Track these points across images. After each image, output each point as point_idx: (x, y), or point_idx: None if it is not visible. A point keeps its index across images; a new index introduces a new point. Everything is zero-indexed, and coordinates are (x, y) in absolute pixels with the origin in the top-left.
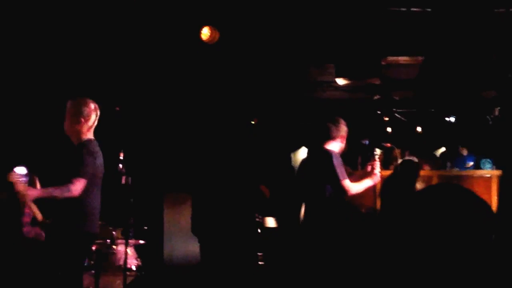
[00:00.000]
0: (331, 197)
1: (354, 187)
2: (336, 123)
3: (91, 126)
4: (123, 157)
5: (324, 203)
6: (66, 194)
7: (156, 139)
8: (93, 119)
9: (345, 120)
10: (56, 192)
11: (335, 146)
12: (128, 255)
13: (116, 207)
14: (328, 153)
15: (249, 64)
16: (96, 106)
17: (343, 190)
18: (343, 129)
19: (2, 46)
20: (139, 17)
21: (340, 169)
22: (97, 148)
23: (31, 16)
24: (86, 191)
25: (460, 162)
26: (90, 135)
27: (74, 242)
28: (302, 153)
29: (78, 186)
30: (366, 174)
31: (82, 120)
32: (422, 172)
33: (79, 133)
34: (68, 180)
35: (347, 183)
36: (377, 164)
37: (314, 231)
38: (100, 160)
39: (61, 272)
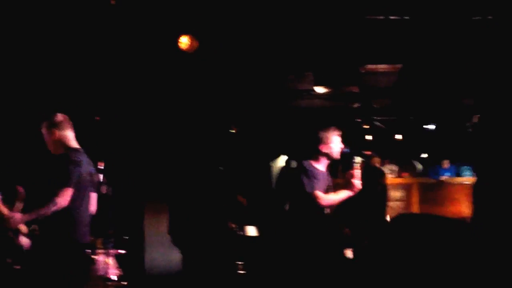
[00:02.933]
0: (301, 209)
1: (327, 198)
2: (316, 134)
3: (69, 136)
4: (104, 167)
5: (294, 215)
6: (54, 208)
7: (136, 149)
8: (68, 128)
9: (324, 128)
10: (43, 211)
11: (315, 157)
12: (108, 265)
13: (97, 216)
14: (300, 165)
15: (228, 73)
16: (66, 117)
17: (314, 201)
18: (324, 138)
19: None
20: (118, 28)
21: (309, 181)
22: (81, 157)
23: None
24: (72, 200)
25: (433, 172)
26: (73, 144)
27: (63, 251)
28: (281, 162)
29: (64, 196)
30: (347, 183)
31: (57, 131)
32: (402, 180)
33: (59, 144)
34: (53, 192)
35: (317, 194)
36: (357, 172)
37: (289, 241)
38: (86, 168)
39: (51, 283)
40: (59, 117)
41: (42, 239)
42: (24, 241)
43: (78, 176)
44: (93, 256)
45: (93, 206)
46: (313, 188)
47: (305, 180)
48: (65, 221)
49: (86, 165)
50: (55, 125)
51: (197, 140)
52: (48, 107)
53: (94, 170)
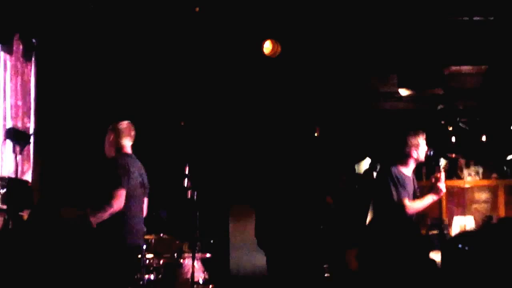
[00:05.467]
0: (387, 216)
1: (414, 206)
2: (404, 137)
3: (124, 144)
4: (189, 171)
5: (380, 222)
6: (111, 211)
7: (221, 153)
8: (127, 137)
9: (412, 131)
10: (100, 214)
11: (403, 161)
12: (195, 268)
13: (183, 221)
14: (386, 172)
15: (312, 75)
16: (130, 126)
17: (401, 210)
18: (410, 143)
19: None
20: (203, 35)
21: (396, 189)
22: (130, 162)
23: (96, 33)
24: (124, 204)
25: None
26: (125, 150)
27: (114, 253)
28: (365, 164)
29: (119, 198)
30: (432, 186)
31: (114, 136)
32: (487, 182)
33: (113, 149)
34: (106, 195)
35: (405, 203)
36: (442, 176)
37: (373, 248)
38: (135, 174)
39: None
40: (123, 125)
41: (94, 241)
42: None
43: (127, 179)
44: (180, 260)
45: (144, 212)
46: (400, 197)
47: (393, 189)
48: (116, 224)
49: (135, 171)
50: (115, 131)
51: (282, 143)
52: (135, 113)
53: (146, 177)
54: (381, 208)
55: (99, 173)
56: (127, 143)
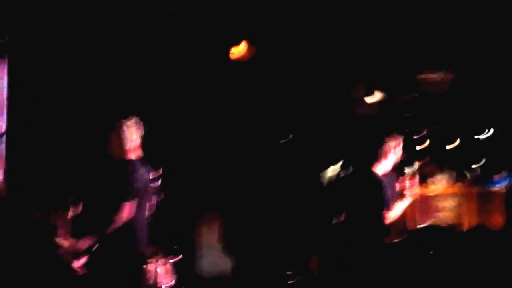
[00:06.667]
0: (369, 218)
1: (391, 216)
2: (381, 143)
3: (129, 144)
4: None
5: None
6: (115, 226)
7: (189, 157)
8: (133, 135)
9: (377, 137)
10: (106, 231)
11: (381, 167)
12: (161, 273)
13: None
14: (370, 175)
15: (281, 81)
16: (137, 122)
17: (384, 212)
18: (387, 147)
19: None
20: (172, 36)
21: (386, 193)
22: (137, 167)
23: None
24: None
25: (488, 181)
26: (131, 154)
27: (119, 260)
28: (333, 171)
29: (124, 212)
30: (403, 192)
31: (118, 140)
32: (455, 189)
33: (118, 149)
34: (112, 207)
35: (389, 214)
36: (415, 181)
37: (339, 252)
38: (141, 178)
39: None
40: (130, 122)
41: (100, 253)
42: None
43: (133, 187)
44: (144, 266)
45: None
46: (389, 201)
47: (377, 195)
48: (121, 231)
49: (141, 175)
50: (120, 129)
51: (252, 148)
52: (108, 114)
53: (151, 178)
54: (357, 212)
55: (101, 181)
56: (135, 144)
